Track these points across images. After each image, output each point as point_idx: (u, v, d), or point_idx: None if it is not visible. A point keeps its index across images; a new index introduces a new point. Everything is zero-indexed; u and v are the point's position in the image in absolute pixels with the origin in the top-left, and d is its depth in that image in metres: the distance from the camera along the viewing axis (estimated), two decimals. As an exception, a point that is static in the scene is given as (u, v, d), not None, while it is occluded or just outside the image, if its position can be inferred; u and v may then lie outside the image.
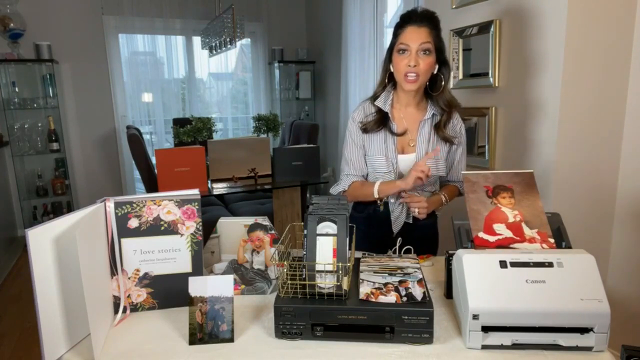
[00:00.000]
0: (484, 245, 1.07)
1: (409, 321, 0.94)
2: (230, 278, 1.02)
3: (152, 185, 3.01)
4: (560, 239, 1.08)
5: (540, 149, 1.87)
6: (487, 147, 2.11)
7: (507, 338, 0.94)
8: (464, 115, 1.74)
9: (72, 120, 4.47)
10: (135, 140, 3.12)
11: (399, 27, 1.46)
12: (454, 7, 2.22)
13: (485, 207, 1.11)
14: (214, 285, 1.00)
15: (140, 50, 4.73)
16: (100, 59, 4.48)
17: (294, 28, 5.34)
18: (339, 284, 0.99)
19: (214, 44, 4.04)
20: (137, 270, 1.12)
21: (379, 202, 1.55)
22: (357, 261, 1.18)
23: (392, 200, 1.57)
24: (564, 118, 1.78)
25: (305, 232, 1.05)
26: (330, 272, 1.01)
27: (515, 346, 0.94)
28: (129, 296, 1.12)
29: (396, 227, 1.59)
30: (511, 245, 1.06)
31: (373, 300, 0.98)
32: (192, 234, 1.14)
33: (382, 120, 1.53)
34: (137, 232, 1.10)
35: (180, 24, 4.75)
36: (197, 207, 1.13)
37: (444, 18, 1.52)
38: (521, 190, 1.13)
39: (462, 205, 1.16)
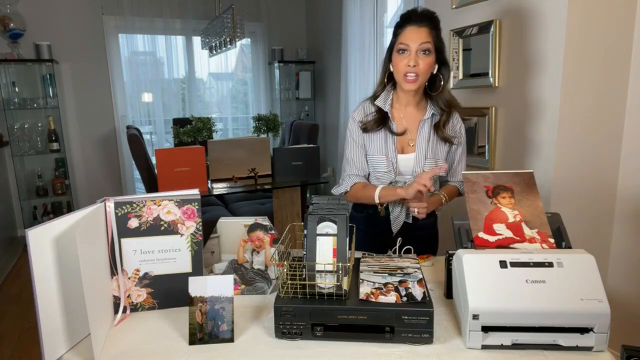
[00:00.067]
0: (484, 245, 1.07)
1: (409, 321, 0.94)
2: (230, 278, 1.02)
3: (152, 185, 3.01)
4: (560, 239, 1.08)
5: (540, 149, 1.87)
6: (487, 147, 2.11)
7: (507, 338, 0.94)
8: (464, 115, 1.74)
9: (72, 120, 4.47)
10: (135, 140, 3.12)
11: (398, 27, 1.46)
12: (454, 7, 2.22)
13: (485, 207, 1.11)
14: (214, 285, 1.00)
15: (140, 50, 4.73)
16: (100, 59, 4.48)
17: (294, 28, 5.34)
18: (339, 284, 0.99)
19: (214, 44, 4.04)
20: (137, 270, 1.12)
21: (379, 207, 1.55)
22: (357, 261, 1.18)
23: (392, 201, 1.57)
24: (564, 118, 1.78)
25: (305, 232, 1.05)
26: (330, 272, 1.01)
27: (515, 346, 0.94)
28: (129, 296, 1.12)
29: (396, 227, 1.59)
30: (511, 245, 1.06)
31: (373, 300, 0.98)
32: (192, 234, 1.14)
33: (381, 120, 1.53)
34: (137, 232, 1.10)
35: (180, 24, 4.75)
36: (197, 207, 1.13)
37: (444, 18, 1.52)
38: (521, 190, 1.13)
39: (462, 205, 1.16)
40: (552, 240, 1.06)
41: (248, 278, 1.23)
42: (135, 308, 1.13)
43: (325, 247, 1.03)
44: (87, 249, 0.93)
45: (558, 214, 1.14)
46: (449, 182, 1.65)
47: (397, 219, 1.58)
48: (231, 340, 0.99)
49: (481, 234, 1.08)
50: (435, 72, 1.49)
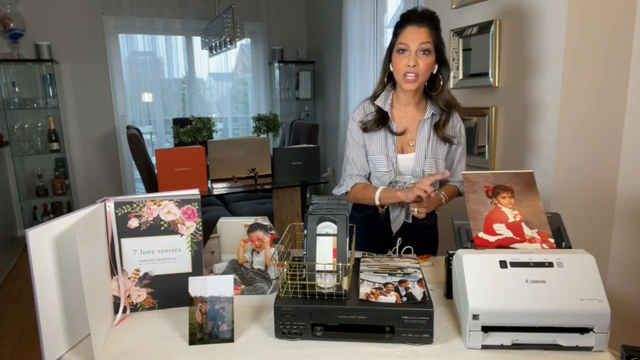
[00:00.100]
0: (484, 245, 1.07)
1: (409, 321, 0.94)
2: (230, 278, 1.02)
3: (152, 185, 3.01)
4: (560, 239, 1.08)
5: (540, 149, 1.87)
6: (487, 147, 2.11)
7: (507, 338, 0.94)
8: (464, 115, 1.74)
9: (72, 120, 4.47)
10: (135, 140, 3.12)
11: (398, 27, 1.46)
12: (454, 7, 2.22)
13: (485, 207, 1.11)
14: (214, 285, 1.00)
15: (140, 50, 4.73)
16: (100, 59, 4.48)
17: (294, 28, 5.34)
18: (339, 284, 0.99)
19: (214, 44, 4.04)
20: (137, 270, 1.12)
21: (380, 209, 1.55)
22: (357, 261, 1.18)
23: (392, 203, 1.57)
24: (563, 118, 1.78)
25: (305, 232, 1.05)
26: (330, 272, 1.01)
27: (515, 346, 0.94)
28: (129, 296, 1.12)
29: (395, 227, 1.59)
30: (511, 245, 1.06)
31: (373, 300, 0.98)
32: (192, 234, 1.14)
33: (381, 120, 1.53)
34: (137, 232, 1.10)
35: (180, 24, 4.75)
36: (197, 207, 1.13)
37: (444, 18, 1.52)
38: (521, 190, 1.13)
39: (462, 205, 1.16)
40: (552, 240, 1.06)
41: (248, 278, 1.23)
42: (135, 308, 1.13)
43: (325, 247, 1.03)
44: (87, 249, 0.93)
45: (558, 214, 1.14)
46: (449, 182, 1.65)
47: (397, 219, 1.58)
48: (231, 340, 0.99)
49: (481, 234, 1.08)
50: (435, 72, 1.49)
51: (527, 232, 1.07)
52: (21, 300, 3.05)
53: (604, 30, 1.77)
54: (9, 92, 4.04)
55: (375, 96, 1.56)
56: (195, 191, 1.15)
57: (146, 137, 4.48)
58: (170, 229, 1.12)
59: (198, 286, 1.00)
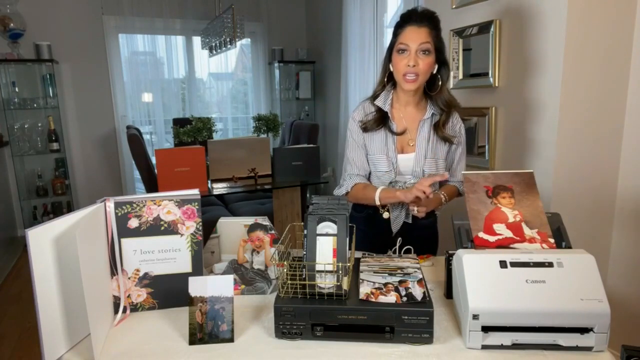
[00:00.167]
0: (484, 245, 1.07)
1: (409, 321, 0.94)
2: (230, 278, 1.02)
3: (152, 185, 3.01)
4: (560, 239, 1.08)
5: (540, 149, 1.87)
6: (487, 147, 2.11)
7: (507, 338, 0.94)
8: (464, 115, 1.74)
9: (72, 120, 4.47)
10: (135, 140, 3.12)
11: (398, 27, 1.46)
12: (454, 7, 2.22)
13: (485, 207, 1.11)
14: (214, 285, 1.00)
15: (140, 50, 4.73)
16: (100, 59, 4.48)
17: (294, 28, 5.34)
18: (339, 284, 0.99)
19: (214, 44, 4.04)
20: (137, 270, 1.12)
21: (381, 209, 1.55)
22: (357, 261, 1.18)
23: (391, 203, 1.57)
24: (564, 118, 1.78)
25: (305, 232, 1.05)
26: (330, 272, 1.01)
27: (515, 346, 0.94)
28: (129, 296, 1.12)
29: (395, 227, 1.59)
30: (511, 245, 1.06)
31: (373, 300, 0.98)
32: (192, 234, 1.14)
33: (381, 120, 1.53)
34: (137, 232, 1.10)
35: (180, 24, 4.75)
36: (197, 207, 1.13)
37: (444, 18, 1.52)
38: (521, 190, 1.13)
39: (462, 205, 1.16)
40: (552, 240, 1.06)
41: (248, 278, 1.23)
42: (135, 308, 1.13)
43: (325, 247, 1.03)
44: (87, 249, 0.93)
45: (558, 214, 1.14)
46: (449, 182, 1.65)
47: (397, 219, 1.58)
48: (231, 340, 0.99)
49: (481, 234, 1.08)
50: (435, 72, 1.49)
51: (527, 232, 1.07)
52: (21, 300, 3.05)
53: (604, 30, 1.77)
54: (9, 92, 4.04)
55: (375, 96, 1.56)
56: (195, 191, 1.15)
57: (146, 137, 4.48)
58: (170, 229, 1.12)
59: (198, 286, 1.00)
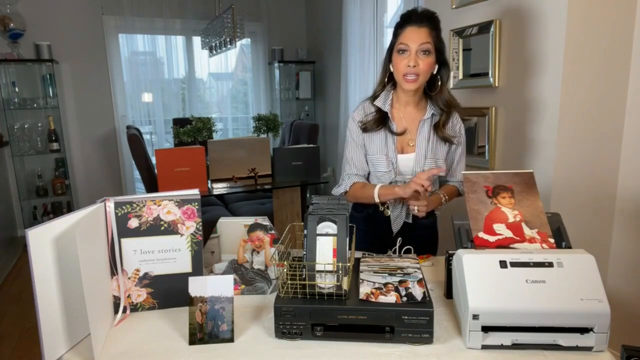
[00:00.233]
0: (484, 245, 1.07)
1: (409, 321, 0.94)
2: (230, 278, 1.02)
3: (152, 185, 3.01)
4: (560, 239, 1.08)
5: (540, 149, 1.87)
6: (487, 147, 2.11)
7: (507, 338, 0.94)
8: (464, 115, 1.74)
9: (72, 120, 4.47)
10: (135, 140, 3.12)
11: (399, 27, 1.46)
12: (454, 7, 2.22)
13: (485, 207, 1.11)
14: (214, 285, 1.00)
15: (140, 50, 4.73)
16: (100, 59, 4.48)
17: (294, 28, 5.34)
18: (339, 284, 0.99)
19: (214, 44, 4.04)
20: (137, 270, 1.12)
21: (381, 207, 1.55)
22: (357, 261, 1.18)
23: (391, 200, 1.57)
24: (564, 118, 1.78)
25: (305, 232, 1.05)
26: (330, 272, 1.01)
27: (515, 346, 0.94)
28: (129, 296, 1.12)
29: (396, 227, 1.59)
30: (511, 245, 1.06)
31: (373, 300, 0.98)
32: (192, 234, 1.14)
33: (381, 120, 1.53)
34: (137, 232, 1.10)
35: (180, 24, 4.75)
36: (197, 207, 1.13)
37: (444, 18, 1.52)
38: (521, 190, 1.13)
39: (462, 205, 1.16)
40: (552, 240, 1.06)
41: (248, 278, 1.23)
42: (135, 308, 1.13)
43: (325, 247, 1.03)
44: (87, 249, 0.93)
45: (558, 214, 1.14)
46: (449, 182, 1.65)
47: (397, 218, 1.58)
48: (231, 340, 0.99)
49: (481, 234, 1.08)
50: (435, 72, 1.49)
51: (527, 232, 1.07)
52: (21, 300, 3.05)
53: (604, 30, 1.77)
54: (9, 92, 4.04)
55: (375, 96, 1.56)
56: (195, 191, 1.15)
57: (146, 137, 4.48)
58: (170, 229, 1.12)
59: (198, 286, 1.00)
